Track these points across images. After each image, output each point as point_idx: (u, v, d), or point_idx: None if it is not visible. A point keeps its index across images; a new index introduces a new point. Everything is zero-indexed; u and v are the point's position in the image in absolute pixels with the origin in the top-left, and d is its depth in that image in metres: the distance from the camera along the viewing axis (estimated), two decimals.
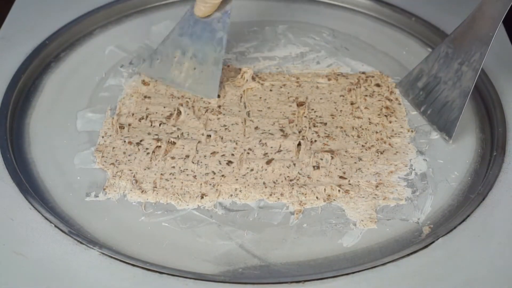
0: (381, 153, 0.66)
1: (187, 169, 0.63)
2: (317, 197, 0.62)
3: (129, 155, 0.65)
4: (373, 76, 0.76)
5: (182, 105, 0.71)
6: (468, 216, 0.59)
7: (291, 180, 0.63)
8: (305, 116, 0.70)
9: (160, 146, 0.66)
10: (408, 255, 0.56)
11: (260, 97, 0.72)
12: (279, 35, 0.83)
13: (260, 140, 0.67)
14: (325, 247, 0.58)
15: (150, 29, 0.83)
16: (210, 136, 0.67)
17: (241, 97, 0.72)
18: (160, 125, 0.68)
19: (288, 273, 0.56)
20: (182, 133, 0.67)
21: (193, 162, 0.64)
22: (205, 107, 0.71)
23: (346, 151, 0.66)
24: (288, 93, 0.73)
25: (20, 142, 0.67)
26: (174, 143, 0.66)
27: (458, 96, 0.67)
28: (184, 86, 0.72)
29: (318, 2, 0.88)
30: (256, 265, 0.57)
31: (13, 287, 0.52)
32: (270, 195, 0.62)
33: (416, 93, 0.72)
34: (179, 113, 0.70)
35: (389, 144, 0.67)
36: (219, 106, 0.71)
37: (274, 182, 0.63)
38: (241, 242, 0.58)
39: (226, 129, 0.68)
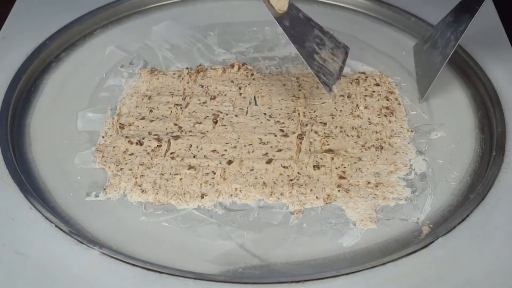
0: (381, 153, 0.66)
1: (187, 169, 0.63)
2: (317, 197, 0.62)
3: (129, 155, 0.65)
4: (372, 76, 0.76)
5: (182, 104, 0.71)
6: (468, 216, 0.59)
7: (291, 180, 0.63)
8: (305, 116, 0.70)
9: (160, 146, 0.66)
10: (407, 255, 0.56)
11: (261, 95, 0.72)
12: (279, 35, 0.83)
13: (261, 140, 0.67)
14: (325, 247, 0.58)
15: (150, 29, 0.83)
16: (208, 136, 0.67)
17: (241, 94, 0.72)
18: (160, 124, 0.68)
19: (288, 273, 0.56)
20: (182, 133, 0.67)
21: (193, 164, 0.64)
22: (204, 107, 0.71)
23: (346, 151, 0.66)
24: (289, 90, 0.73)
25: (20, 142, 0.67)
26: (177, 138, 0.66)
27: (439, 61, 0.71)
28: (342, 65, 0.72)
29: (318, 2, 0.88)
30: (256, 265, 0.57)
31: (13, 287, 0.52)
32: (270, 195, 0.62)
33: (420, 54, 0.77)
34: (179, 112, 0.70)
35: (389, 144, 0.67)
36: (220, 106, 0.71)
37: (274, 182, 0.63)
38: (241, 242, 0.58)
39: (226, 129, 0.68)
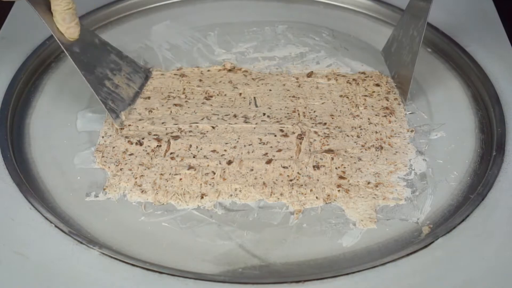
0: (381, 153, 0.66)
1: (187, 169, 0.63)
2: (316, 197, 0.62)
3: (129, 155, 0.65)
4: (372, 76, 0.76)
5: (182, 105, 0.71)
6: (468, 216, 0.59)
7: (291, 180, 0.63)
8: (305, 116, 0.70)
9: (160, 146, 0.66)
10: (407, 255, 0.56)
11: (260, 97, 0.72)
12: (279, 35, 0.83)
13: (260, 140, 0.67)
14: (324, 247, 0.58)
15: (150, 29, 0.83)
16: (208, 136, 0.67)
17: (241, 94, 0.72)
18: (160, 124, 0.68)
19: (288, 273, 0.56)
20: (182, 133, 0.67)
21: (192, 164, 0.64)
22: (204, 107, 0.71)
23: (345, 151, 0.66)
24: (288, 91, 0.73)
25: (20, 142, 0.67)
26: (176, 139, 0.66)
27: (410, 60, 0.71)
28: (137, 91, 0.72)
29: (318, 2, 0.88)
30: (256, 265, 0.57)
31: (13, 287, 0.52)
32: (270, 195, 0.62)
33: (390, 58, 0.77)
34: (179, 112, 0.70)
35: (389, 144, 0.67)
36: (220, 106, 0.71)
37: (274, 182, 0.63)
38: (241, 242, 0.58)
39: (225, 129, 0.68)
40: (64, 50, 0.65)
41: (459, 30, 0.81)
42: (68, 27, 0.66)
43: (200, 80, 0.75)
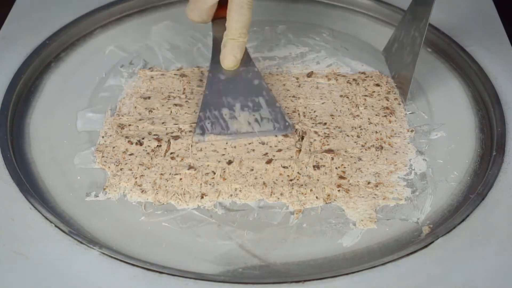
0: (381, 153, 0.66)
1: (187, 169, 0.63)
2: (316, 197, 0.62)
3: (129, 155, 0.65)
4: (372, 76, 0.76)
5: (182, 104, 0.71)
6: (468, 216, 0.59)
7: (291, 180, 0.63)
8: (305, 116, 0.70)
9: (160, 146, 0.66)
10: (407, 255, 0.56)
11: None
12: (279, 35, 0.83)
13: (261, 140, 0.67)
14: (324, 247, 0.58)
15: (150, 29, 0.83)
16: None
17: None
18: (160, 124, 0.68)
19: (288, 273, 0.56)
20: (182, 133, 0.67)
21: (192, 164, 0.64)
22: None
23: (345, 151, 0.66)
24: (288, 90, 0.73)
25: (20, 142, 0.67)
26: (176, 138, 0.66)
27: (411, 61, 0.71)
28: (254, 132, 0.68)
29: (318, 2, 0.88)
30: (256, 265, 0.57)
31: (13, 287, 0.52)
32: (270, 195, 0.62)
33: (391, 58, 0.77)
34: (179, 112, 0.70)
35: (389, 144, 0.67)
36: None
37: (274, 182, 0.63)
38: (241, 242, 0.58)
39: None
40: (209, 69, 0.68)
41: (459, 30, 0.81)
42: (224, 56, 0.67)
43: (200, 80, 0.75)
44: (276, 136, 0.67)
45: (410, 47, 0.72)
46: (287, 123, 0.67)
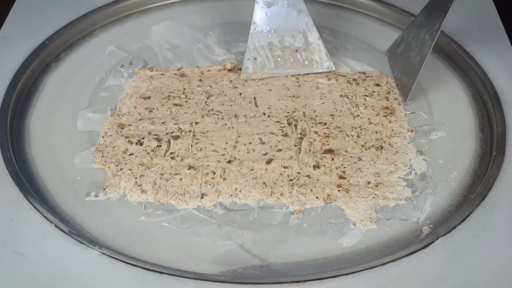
0: (381, 153, 0.66)
1: (187, 169, 0.63)
2: (317, 197, 0.62)
3: (129, 155, 0.65)
4: (372, 76, 0.76)
5: (181, 104, 0.71)
6: (468, 216, 0.59)
7: (291, 180, 0.63)
8: (305, 116, 0.70)
9: (160, 146, 0.66)
10: (407, 255, 0.56)
11: (261, 97, 0.72)
12: None
13: (261, 140, 0.67)
14: (325, 247, 0.58)
15: (150, 29, 0.83)
16: (208, 136, 0.67)
17: (241, 94, 0.72)
18: (160, 124, 0.68)
19: (288, 273, 0.56)
20: (182, 133, 0.67)
21: (192, 164, 0.64)
22: (204, 107, 0.71)
23: (346, 151, 0.66)
24: (289, 90, 0.73)
25: (20, 142, 0.67)
26: (176, 138, 0.66)
27: (418, 63, 0.71)
28: (294, 69, 0.72)
29: (318, 2, 0.88)
30: (256, 265, 0.57)
31: (13, 287, 0.52)
32: (270, 195, 0.62)
33: (394, 58, 0.77)
34: (179, 112, 0.70)
35: (389, 144, 0.67)
36: (220, 106, 0.71)
37: (274, 182, 0.63)
38: (241, 242, 0.58)
39: (226, 127, 0.68)
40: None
41: (460, 30, 0.81)
42: None
43: (200, 80, 0.75)
44: (315, 74, 0.71)
45: (419, 49, 0.72)
46: (325, 61, 0.71)
